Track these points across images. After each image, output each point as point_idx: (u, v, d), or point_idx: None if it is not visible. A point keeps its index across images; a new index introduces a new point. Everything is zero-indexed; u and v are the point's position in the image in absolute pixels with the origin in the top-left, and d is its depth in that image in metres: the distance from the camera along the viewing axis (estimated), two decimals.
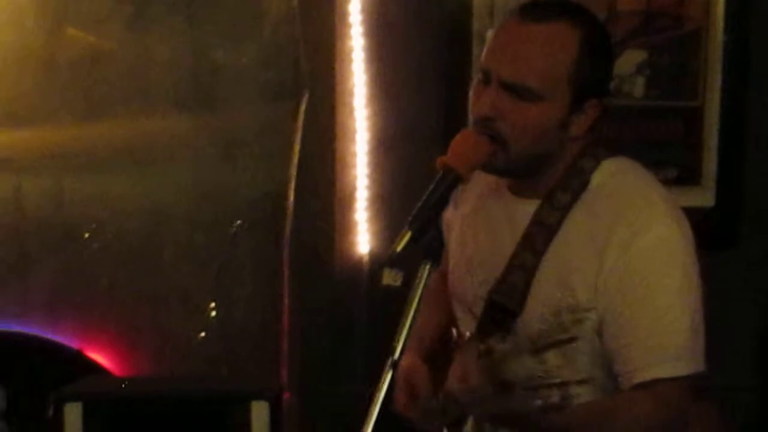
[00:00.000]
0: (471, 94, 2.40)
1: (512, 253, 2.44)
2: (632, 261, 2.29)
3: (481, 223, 2.58)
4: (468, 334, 2.53)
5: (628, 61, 4.00)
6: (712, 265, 2.33)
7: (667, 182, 2.80)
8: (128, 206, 4.20)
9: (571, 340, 1.90)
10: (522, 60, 2.30)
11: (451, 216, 2.61)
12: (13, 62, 4.07)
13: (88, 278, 4.23)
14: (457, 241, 2.61)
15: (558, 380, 1.87)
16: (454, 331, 2.68)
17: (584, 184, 2.41)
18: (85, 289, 4.22)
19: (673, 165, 4.02)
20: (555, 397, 1.89)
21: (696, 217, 2.38)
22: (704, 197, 4.03)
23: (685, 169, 4.07)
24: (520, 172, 2.43)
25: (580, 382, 1.87)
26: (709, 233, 2.40)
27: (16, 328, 4.11)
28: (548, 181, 2.43)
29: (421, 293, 2.21)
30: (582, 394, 1.89)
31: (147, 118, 4.21)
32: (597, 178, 2.42)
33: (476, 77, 2.40)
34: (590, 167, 2.42)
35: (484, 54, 2.39)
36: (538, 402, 1.92)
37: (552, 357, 1.93)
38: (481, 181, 2.53)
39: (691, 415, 2.46)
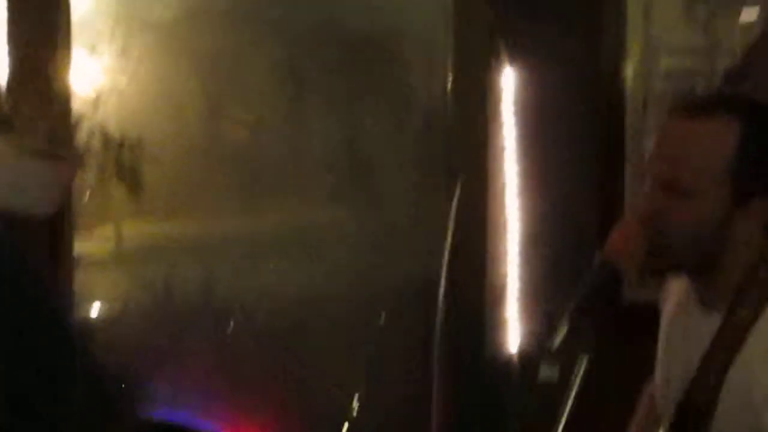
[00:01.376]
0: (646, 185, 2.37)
1: (695, 375, 2.34)
2: None
3: (678, 338, 2.48)
4: None
5: None
6: None
7: None
8: (280, 296, 4.22)
9: None
10: (677, 156, 2.25)
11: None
12: (172, 153, 4.12)
13: (238, 365, 4.24)
14: (662, 349, 2.53)
15: None
16: None
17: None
18: (235, 376, 4.24)
19: None
20: None
21: None
22: None
23: None
24: (686, 273, 2.35)
25: None
26: None
27: (169, 417, 4.14)
28: (724, 290, 2.32)
29: (578, 388, 2.16)
30: None
31: (302, 208, 4.24)
32: None
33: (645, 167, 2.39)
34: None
35: (653, 148, 2.36)
36: None
37: None
38: (676, 289, 2.47)
39: None
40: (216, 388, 4.25)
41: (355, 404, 4.23)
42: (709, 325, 2.32)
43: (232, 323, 4.25)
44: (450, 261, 3.97)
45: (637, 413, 2.78)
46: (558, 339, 2.19)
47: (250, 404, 4.24)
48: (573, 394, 2.17)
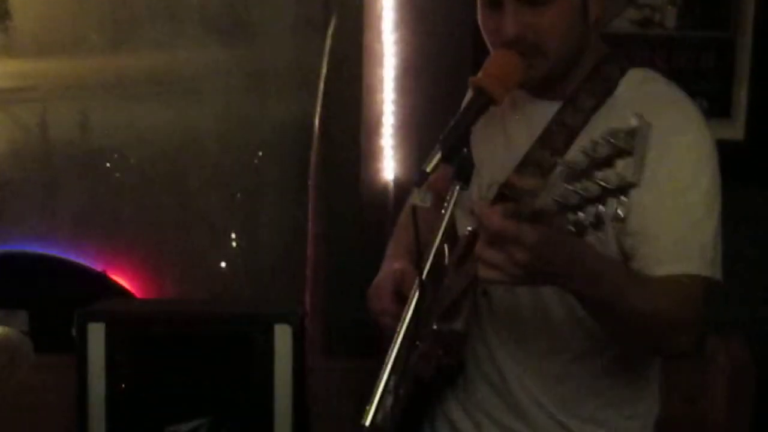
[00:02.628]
0: (481, 20, 2.36)
1: (527, 150, 2.39)
2: (664, 159, 2.23)
3: (494, 126, 2.53)
4: (469, 228, 2.47)
5: None
6: (743, 197, 2.27)
7: None
8: (154, 133, 4.16)
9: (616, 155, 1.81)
10: None
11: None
12: None
13: (113, 203, 4.21)
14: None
15: (597, 190, 1.78)
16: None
17: (610, 90, 2.39)
18: (110, 214, 4.21)
19: (704, 96, 3.95)
20: (591, 216, 1.81)
21: (726, 150, 2.35)
22: (734, 130, 3.97)
23: (716, 101, 4.00)
24: (555, 78, 2.38)
25: (622, 190, 1.78)
26: (738, 166, 2.37)
27: (41, 250, 4.10)
28: (569, 84, 2.40)
29: (449, 214, 2.16)
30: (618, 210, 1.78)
31: (175, 44, 4.16)
32: (624, 84, 2.39)
33: (479, 4, 2.35)
34: (616, 74, 2.40)
35: None
36: (571, 225, 1.84)
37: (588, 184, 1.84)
38: None
39: (718, 345, 2.43)
40: (90, 225, 4.21)
41: (233, 243, 4.22)
42: (543, 110, 2.41)
43: (108, 163, 4.19)
44: (325, 93, 3.94)
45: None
46: (432, 164, 2.18)
47: (125, 243, 4.21)
48: (445, 219, 2.17)
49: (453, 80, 3.76)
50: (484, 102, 2.25)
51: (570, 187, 1.83)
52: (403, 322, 2.09)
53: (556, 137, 2.38)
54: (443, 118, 2.30)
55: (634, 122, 1.75)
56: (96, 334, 3.28)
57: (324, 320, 3.96)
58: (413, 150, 3.96)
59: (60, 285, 4.00)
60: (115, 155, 4.20)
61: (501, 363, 2.57)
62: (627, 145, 1.73)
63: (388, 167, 4.02)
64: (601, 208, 1.78)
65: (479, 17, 2.37)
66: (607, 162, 1.76)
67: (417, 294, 2.09)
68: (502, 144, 2.51)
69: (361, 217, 4.01)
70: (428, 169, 2.15)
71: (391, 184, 4.01)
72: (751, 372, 3.57)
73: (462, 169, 2.18)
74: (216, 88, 4.16)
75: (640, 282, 2.19)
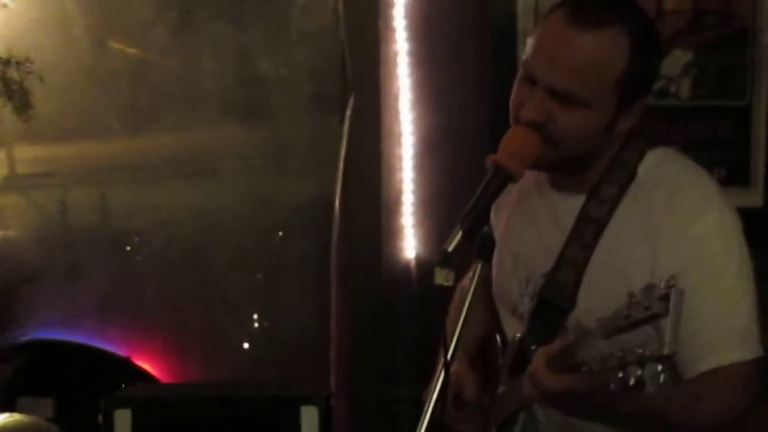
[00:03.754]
0: (515, 90, 2.36)
1: (560, 249, 2.40)
2: (690, 246, 2.24)
3: (525, 221, 2.55)
4: (518, 335, 2.50)
5: (675, 61, 3.95)
6: (764, 261, 2.28)
7: None
8: (175, 215, 4.19)
9: (651, 319, 1.82)
10: (571, 69, 2.25)
11: (493, 218, 2.57)
12: (60, 72, 4.04)
13: (135, 287, 4.23)
14: (500, 241, 2.56)
15: (635, 357, 1.80)
16: (497, 336, 2.64)
17: (631, 176, 2.40)
18: (132, 298, 4.23)
19: (722, 165, 3.96)
20: (632, 377, 1.83)
21: (745, 217, 2.33)
22: (753, 197, 3.97)
23: (734, 169, 4.01)
24: (567, 169, 2.40)
25: (660, 359, 1.79)
26: (759, 232, 2.37)
27: (65, 337, 4.11)
28: (592, 175, 2.41)
29: (474, 293, 2.17)
30: (660, 375, 1.80)
31: (194, 127, 4.19)
32: (643, 169, 2.40)
33: (520, 73, 2.36)
34: (635, 159, 2.41)
35: (529, 53, 2.34)
36: (613, 384, 1.86)
37: (626, 337, 1.86)
38: (521, 180, 2.50)
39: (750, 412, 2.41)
40: (113, 310, 4.22)
41: (255, 323, 4.22)
42: (567, 203, 2.40)
43: (128, 247, 4.21)
44: (345, 172, 3.96)
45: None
46: (453, 243, 2.20)
47: (148, 326, 4.22)
48: (469, 298, 2.18)
49: (471, 157, 3.78)
50: (502, 179, 2.26)
51: (607, 351, 1.87)
52: (427, 408, 2.09)
53: (585, 232, 2.39)
54: (463, 195, 2.31)
55: (664, 284, 1.76)
56: (122, 420, 3.29)
57: (348, 399, 3.95)
58: (434, 227, 3.97)
59: (85, 372, 4.00)
60: (136, 238, 4.23)
61: None
62: (660, 309, 1.75)
63: (409, 245, 4.02)
64: (639, 372, 1.80)
65: (514, 87, 2.38)
66: (645, 321, 1.79)
67: (441, 377, 2.10)
68: (534, 238, 2.52)
69: (384, 296, 4.01)
70: (450, 248, 2.16)
71: (413, 262, 4.01)
72: None
73: (483, 247, 2.19)
74: (235, 168, 4.19)
75: (681, 394, 2.18)
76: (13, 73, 3.73)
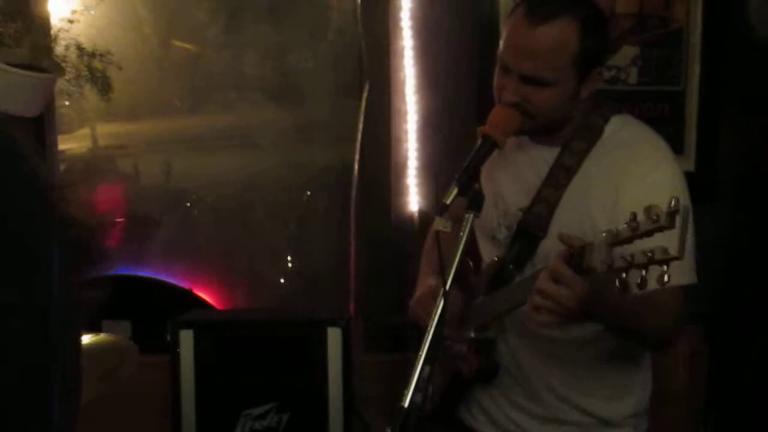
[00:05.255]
0: (495, 78, 2.39)
1: (537, 189, 2.43)
2: (648, 189, 2.27)
3: (506, 166, 2.57)
4: (496, 257, 2.51)
5: (624, 54, 3.94)
6: (696, 213, 2.31)
7: None
8: (225, 178, 4.20)
9: (657, 230, 1.81)
10: (535, 58, 2.28)
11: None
12: (134, 63, 4.04)
13: (193, 235, 4.25)
14: (484, 180, 2.60)
15: (645, 259, 1.81)
16: (469, 261, 2.64)
17: (598, 135, 2.42)
18: (191, 243, 4.24)
19: (662, 137, 3.97)
20: (638, 277, 1.83)
21: None
22: (687, 163, 3.98)
23: (672, 141, 3.96)
24: (544, 131, 2.42)
25: (665, 261, 1.79)
26: (691, 191, 2.39)
27: (139, 272, 4.14)
28: (565, 133, 2.44)
29: (465, 239, 2.19)
30: (664, 275, 1.79)
31: (239, 107, 4.20)
32: (609, 130, 2.42)
33: (498, 64, 2.38)
34: (601, 122, 2.42)
35: (501, 47, 2.37)
36: (619, 283, 1.87)
37: (627, 248, 1.87)
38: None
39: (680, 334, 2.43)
40: (177, 252, 4.24)
41: (288, 264, 4.24)
42: (544, 156, 2.42)
43: (188, 203, 4.22)
44: (362, 143, 3.97)
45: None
46: (450, 197, 2.21)
47: (204, 265, 4.24)
48: (463, 241, 2.20)
49: (463, 130, 3.80)
50: (489, 146, 2.29)
51: (609, 258, 1.87)
52: (432, 324, 2.11)
53: (558, 176, 2.41)
54: (457, 160, 2.33)
55: (674, 203, 1.76)
56: (186, 338, 3.32)
57: (364, 323, 3.97)
58: (433, 187, 3.97)
59: (155, 300, 4.04)
60: (194, 196, 4.23)
61: (520, 357, 2.59)
62: (668, 223, 1.75)
63: (413, 201, 4.03)
64: (644, 273, 1.81)
65: (495, 75, 2.40)
66: (648, 234, 1.80)
67: (442, 302, 2.12)
68: (513, 180, 2.55)
69: (391, 241, 4.03)
70: (447, 201, 2.19)
71: (416, 215, 4.02)
72: (706, 356, 3.57)
73: (474, 201, 2.21)
74: (272, 141, 4.19)
75: (648, 304, 2.19)
76: (97, 64, 3.72)
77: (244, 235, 4.25)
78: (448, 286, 2.14)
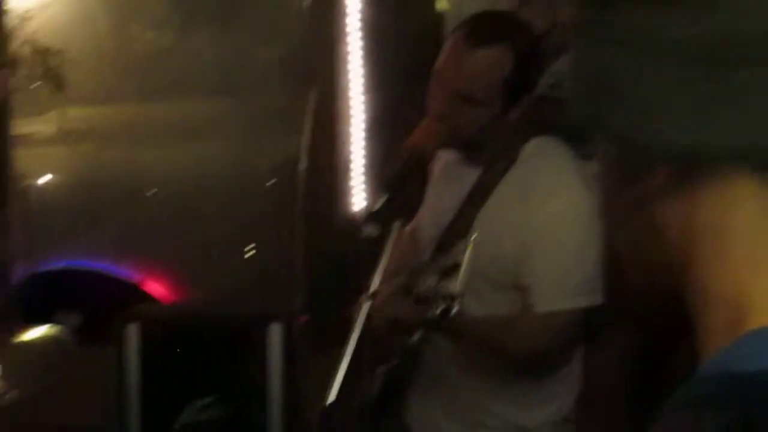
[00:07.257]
0: (429, 90, 2.46)
1: (459, 207, 2.51)
2: (548, 218, 2.37)
3: (441, 185, 2.65)
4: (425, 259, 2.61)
5: (565, 62, 4.01)
6: None
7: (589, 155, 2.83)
8: (176, 172, 4.26)
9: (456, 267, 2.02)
10: (468, 77, 2.35)
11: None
12: (88, 53, 4.09)
13: (146, 228, 4.31)
14: (427, 200, 2.68)
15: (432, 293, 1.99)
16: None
17: (516, 156, 2.48)
18: (144, 236, 4.30)
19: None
20: (438, 309, 2.02)
21: None
22: None
23: None
24: (468, 148, 2.50)
25: (451, 297, 1.99)
26: None
27: (90, 265, 4.20)
28: (488, 154, 2.49)
29: (392, 244, 2.29)
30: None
31: (191, 101, 4.25)
32: (524, 153, 2.47)
33: (434, 77, 2.46)
34: (520, 143, 2.48)
35: (439, 62, 2.44)
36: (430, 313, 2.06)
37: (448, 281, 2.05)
38: (446, 155, 2.60)
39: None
40: (132, 242, 4.30)
41: (237, 258, 4.31)
42: (470, 175, 2.51)
43: (139, 196, 4.27)
44: (309, 144, 4.02)
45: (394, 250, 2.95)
46: (378, 204, 2.31)
47: (155, 258, 4.32)
48: (387, 250, 2.30)
49: (410, 131, 3.85)
50: (415, 159, 2.38)
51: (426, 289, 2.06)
52: (358, 326, 2.22)
53: (476, 197, 2.50)
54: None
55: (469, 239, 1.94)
56: (132, 332, 3.37)
57: (308, 317, 4.03)
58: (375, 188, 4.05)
59: (106, 293, 4.10)
60: (145, 189, 4.30)
61: (442, 359, 2.63)
62: (459, 260, 1.93)
63: (359, 201, 4.14)
64: (443, 305, 2.03)
65: (429, 86, 2.48)
66: (449, 273, 1.99)
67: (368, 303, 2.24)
68: (444, 197, 2.60)
69: (336, 239, 4.13)
70: (374, 209, 2.30)
71: (359, 213, 4.12)
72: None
73: (400, 210, 2.32)
74: (223, 135, 4.28)
75: (507, 329, 2.32)
76: (51, 61, 3.77)
77: (195, 229, 4.31)
78: (371, 291, 2.24)
